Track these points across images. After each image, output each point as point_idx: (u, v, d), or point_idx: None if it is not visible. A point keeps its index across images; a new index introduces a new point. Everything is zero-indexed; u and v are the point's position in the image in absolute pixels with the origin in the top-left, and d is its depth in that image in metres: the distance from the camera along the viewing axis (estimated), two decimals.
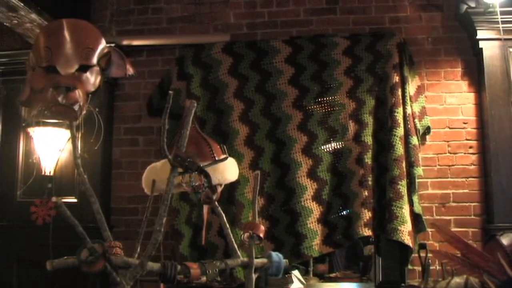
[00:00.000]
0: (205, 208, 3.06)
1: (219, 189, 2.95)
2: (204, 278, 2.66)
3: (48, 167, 5.00)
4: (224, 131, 4.90)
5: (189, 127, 2.50)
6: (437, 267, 2.61)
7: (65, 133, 4.85)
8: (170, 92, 2.48)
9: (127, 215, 5.16)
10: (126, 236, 4.98)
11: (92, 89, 2.58)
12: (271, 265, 2.92)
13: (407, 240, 4.51)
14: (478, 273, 2.38)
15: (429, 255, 4.12)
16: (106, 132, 5.16)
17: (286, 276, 4.66)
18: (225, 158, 2.92)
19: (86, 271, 2.42)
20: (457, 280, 2.61)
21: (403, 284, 3.88)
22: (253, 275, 2.87)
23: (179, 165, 2.49)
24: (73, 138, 2.70)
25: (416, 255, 4.61)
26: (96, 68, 2.61)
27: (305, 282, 4.94)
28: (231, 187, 4.73)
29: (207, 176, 2.63)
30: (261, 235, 2.88)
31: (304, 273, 5.53)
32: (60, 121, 4.57)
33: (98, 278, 4.92)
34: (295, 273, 4.86)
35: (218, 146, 2.99)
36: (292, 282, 4.69)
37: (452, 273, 2.71)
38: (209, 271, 2.65)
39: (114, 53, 2.68)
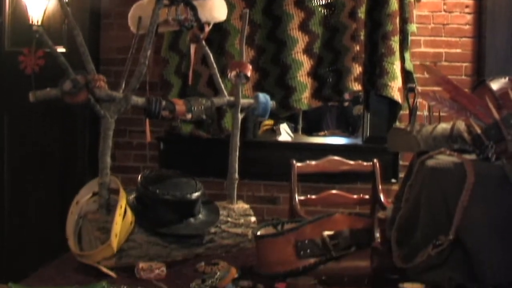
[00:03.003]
0: (192, 48, 3.01)
1: (207, 28, 2.87)
2: (189, 115, 2.64)
3: (35, 16, 4.89)
4: None
5: None
6: (425, 113, 2.60)
7: None
8: None
9: (116, 65, 5.08)
10: (115, 87, 4.93)
11: None
12: (258, 106, 2.91)
13: (397, 96, 4.50)
14: (465, 116, 2.36)
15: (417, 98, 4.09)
16: None
17: (274, 128, 4.69)
18: None
19: (69, 102, 2.40)
20: (444, 126, 2.60)
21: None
22: (240, 115, 2.87)
23: None
24: None
25: (405, 112, 4.61)
26: None
27: (293, 136, 4.98)
28: (221, 38, 4.67)
29: (193, 8, 2.56)
30: (248, 74, 2.84)
31: (293, 131, 5.58)
32: None
33: (88, 127, 4.96)
34: (283, 126, 4.89)
35: None
36: (280, 134, 4.72)
37: (439, 119, 2.70)
38: (194, 108, 2.63)
39: None
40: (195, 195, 2.53)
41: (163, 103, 2.57)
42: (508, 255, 2.08)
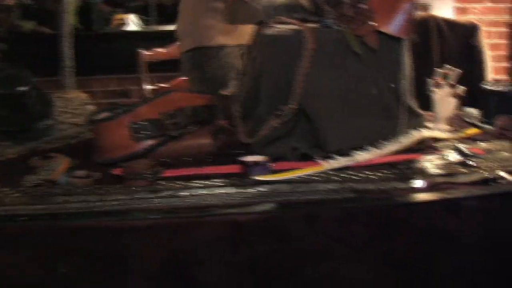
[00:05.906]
0: None
1: None
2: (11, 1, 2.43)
3: None
4: None
5: None
6: None
7: None
8: None
9: None
10: None
11: None
12: None
13: None
14: None
15: None
16: None
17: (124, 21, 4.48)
18: None
19: None
20: None
21: None
22: None
23: None
24: None
25: None
26: None
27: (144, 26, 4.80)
28: None
29: None
30: None
31: (146, 23, 5.37)
32: None
33: None
34: (131, 17, 4.70)
35: None
36: (127, 24, 4.53)
37: None
38: None
39: None
40: (25, 88, 2.34)
41: None
42: (348, 121, 2.06)
